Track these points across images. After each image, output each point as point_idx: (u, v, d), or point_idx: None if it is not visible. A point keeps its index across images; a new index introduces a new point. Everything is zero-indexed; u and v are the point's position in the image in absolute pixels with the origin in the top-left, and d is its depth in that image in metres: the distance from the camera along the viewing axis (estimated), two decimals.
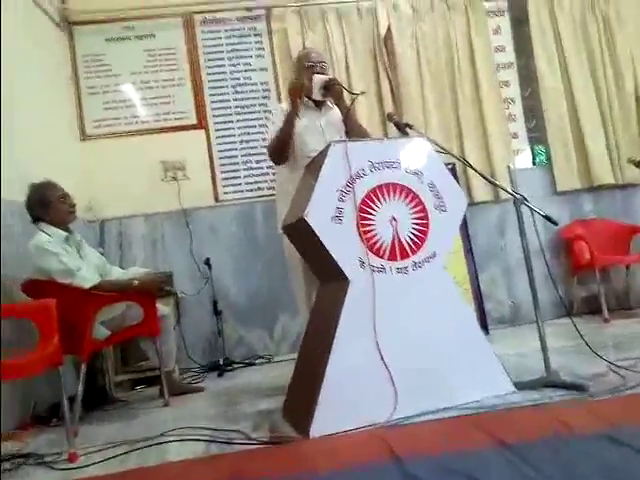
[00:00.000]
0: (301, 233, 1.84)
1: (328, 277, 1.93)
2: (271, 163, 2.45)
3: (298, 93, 2.22)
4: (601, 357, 1.99)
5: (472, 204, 3.56)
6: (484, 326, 3.22)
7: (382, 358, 1.71)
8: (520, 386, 1.86)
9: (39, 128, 2.93)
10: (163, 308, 2.63)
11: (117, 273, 2.59)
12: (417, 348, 1.77)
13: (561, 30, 3.78)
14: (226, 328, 3.40)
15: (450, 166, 3.47)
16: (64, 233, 2.34)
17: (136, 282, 2.39)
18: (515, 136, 3.85)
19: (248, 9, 3.63)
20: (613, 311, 3.39)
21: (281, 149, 2.26)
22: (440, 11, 3.77)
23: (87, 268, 2.34)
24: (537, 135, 3.97)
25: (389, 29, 3.70)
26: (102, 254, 2.78)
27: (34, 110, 2.91)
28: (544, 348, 1.91)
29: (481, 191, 3.65)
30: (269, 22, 3.68)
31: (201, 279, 3.41)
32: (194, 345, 3.32)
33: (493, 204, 3.70)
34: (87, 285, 2.22)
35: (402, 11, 3.72)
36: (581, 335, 1.96)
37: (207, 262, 3.40)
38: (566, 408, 1.60)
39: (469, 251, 3.44)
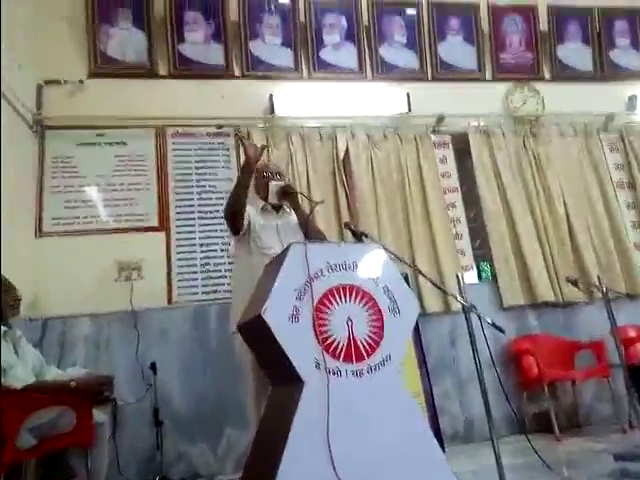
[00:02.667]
0: (256, 331, 1.82)
1: (281, 379, 1.87)
2: (229, 266, 2.49)
3: (252, 157, 2.39)
4: (557, 472, 1.96)
5: (424, 315, 3.65)
6: (440, 444, 3.11)
7: (334, 468, 1.62)
8: None
9: None
10: (99, 415, 2.41)
11: (54, 373, 2.40)
12: (372, 460, 1.69)
13: (498, 163, 4.24)
14: (166, 442, 3.12)
15: (402, 276, 3.62)
16: (2, 328, 2.20)
17: (74, 383, 2.22)
18: (462, 253, 4.09)
19: (219, 126, 3.90)
20: (563, 429, 3.39)
21: (236, 202, 2.35)
22: (392, 141, 4.18)
23: (22, 367, 2.17)
24: (482, 252, 4.25)
25: (347, 152, 4.04)
26: (41, 353, 2.59)
27: None
28: (499, 465, 1.87)
29: (432, 302, 3.77)
30: (237, 138, 3.95)
31: (143, 385, 3.20)
32: (128, 460, 3.01)
33: (444, 315, 3.80)
34: (18, 385, 2.04)
35: (358, 138, 4.10)
36: (536, 451, 1.95)
37: (152, 366, 3.22)
38: None
39: (423, 363, 3.44)
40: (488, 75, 4.54)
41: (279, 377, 1.92)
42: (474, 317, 2.02)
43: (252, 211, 2.44)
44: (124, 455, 2.97)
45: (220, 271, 3.62)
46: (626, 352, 3.71)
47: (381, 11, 4.38)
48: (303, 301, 1.79)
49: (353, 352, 1.81)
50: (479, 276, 4.21)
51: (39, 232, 3.48)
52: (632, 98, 4.60)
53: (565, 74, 4.63)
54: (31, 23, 3.71)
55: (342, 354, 1.79)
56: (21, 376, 2.09)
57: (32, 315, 3.14)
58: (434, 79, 4.43)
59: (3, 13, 3.18)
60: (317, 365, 1.74)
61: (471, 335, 2.01)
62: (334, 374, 1.75)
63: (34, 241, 3.44)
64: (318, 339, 1.76)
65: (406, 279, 3.62)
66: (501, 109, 4.46)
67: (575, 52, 4.68)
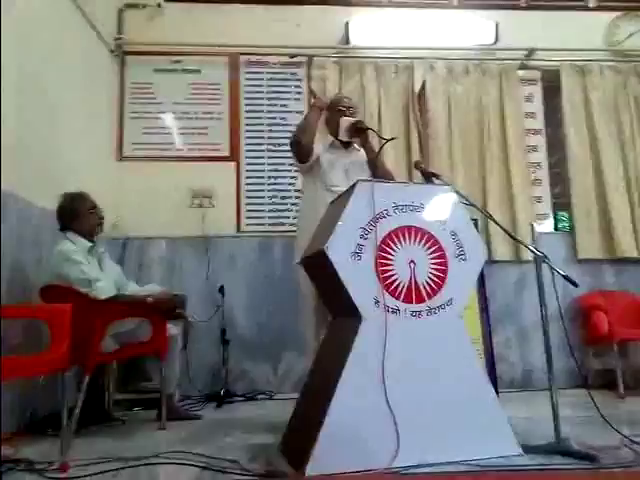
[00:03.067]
0: (319, 266, 1.86)
1: (341, 312, 1.92)
2: (296, 200, 2.51)
3: (323, 100, 2.53)
4: (617, 430, 1.91)
5: (491, 262, 3.55)
6: (495, 388, 3.12)
7: (388, 402, 1.68)
8: (528, 450, 1.78)
9: (79, 143, 3.08)
10: (172, 329, 2.63)
11: (134, 288, 2.62)
12: (424, 397, 1.73)
13: (592, 104, 3.86)
14: (231, 359, 3.36)
15: (472, 220, 3.50)
16: (88, 244, 2.40)
17: (150, 299, 2.42)
18: (539, 200, 3.86)
19: (292, 56, 3.81)
20: (629, 388, 3.27)
21: (304, 131, 2.37)
22: (475, 75, 3.90)
23: (106, 280, 2.37)
24: (561, 201, 3.98)
25: (423, 86, 3.83)
26: (122, 269, 2.82)
27: (77, 126, 3.07)
28: (556, 415, 1.83)
29: (502, 249, 3.63)
30: (309, 69, 3.85)
31: (213, 306, 3.42)
32: (197, 372, 3.29)
33: (513, 264, 3.66)
34: (103, 296, 2.25)
35: (438, 71, 3.86)
36: (596, 406, 1.89)
37: (221, 290, 3.42)
38: (574, 476, 1.53)
39: (484, 310, 3.39)
40: (591, 2, 4.02)
41: (339, 310, 1.98)
42: (545, 268, 1.93)
43: (321, 147, 2.40)
44: (194, 367, 3.23)
45: (287, 204, 3.68)
46: None
47: None
48: (367, 239, 1.79)
49: (414, 293, 1.81)
50: (555, 226, 3.98)
51: (120, 156, 3.66)
52: None
53: None
54: None
55: (402, 294, 1.80)
56: (105, 288, 2.29)
57: (114, 235, 3.38)
58: (528, 7, 4.02)
59: None
60: (376, 302, 1.76)
61: (540, 286, 1.93)
62: (392, 312, 1.77)
63: (116, 164, 3.64)
64: (379, 277, 1.77)
65: (475, 224, 3.50)
66: (603, 43, 3.98)
67: None
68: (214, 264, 3.53)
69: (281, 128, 3.80)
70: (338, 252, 1.74)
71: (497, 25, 3.88)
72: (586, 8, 4.02)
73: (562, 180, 3.96)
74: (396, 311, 1.78)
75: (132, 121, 3.70)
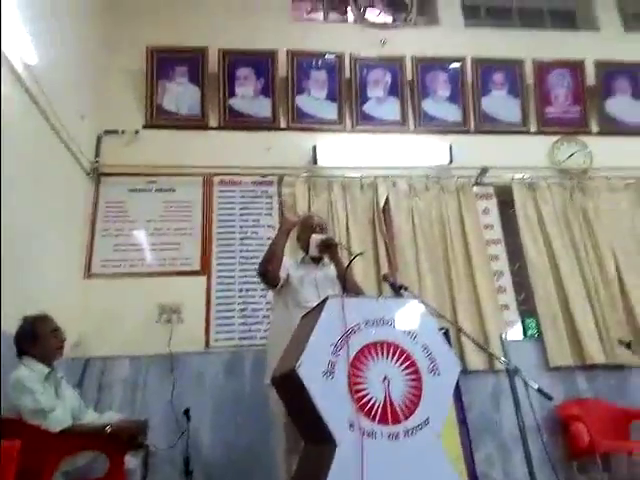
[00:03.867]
0: (290, 386, 1.79)
1: (314, 437, 1.82)
2: (267, 312, 2.50)
3: (291, 221, 2.52)
4: None
5: (466, 372, 3.50)
6: None
7: None
8: None
9: (47, 262, 3.04)
10: (131, 462, 2.40)
11: (91, 417, 2.43)
12: None
13: (544, 216, 4.12)
14: None
15: (443, 331, 3.51)
16: (46, 369, 2.27)
17: (109, 429, 2.24)
18: (506, 307, 3.94)
19: (263, 176, 4.03)
20: None
21: (270, 260, 2.40)
22: (434, 191, 4.17)
23: (62, 409, 2.21)
24: (527, 308, 4.08)
25: (387, 201, 4.06)
26: (79, 394, 2.64)
27: (46, 244, 3.06)
28: None
29: (475, 359, 3.61)
30: (280, 187, 4.05)
31: (176, 431, 3.18)
32: None
33: (487, 374, 3.62)
34: (57, 428, 2.08)
35: (400, 188, 4.12)
36: None
37: (186, 412, 3.21)
38: None
39: (463, 423, 3.27)
40: (533, 128, 4.50)
41: (312, 434, 1.87)
42: (519, 379, 1.92)
43: (291, 264, 2.46)
44: None
45: (258, 317, 3.63)
46: None
47: (425, 67, 4.49)
48: (339, 356, 1.76)
49: (389, 413, 1.74)
50: (524, 332, 4.03)
51: (87, 273, 3.62)
52: None
53: (614, 128, 4.54)
54: (96, 77, 4.01)
55: (378, 415, 1.72)
56: (60, 418, 2.12)
57: (75, 355, 3.22)
58: (477, 131, 4.45)
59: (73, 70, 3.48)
60: (351, 426, 1.68)
61: (515, 400, 1.90)
62: (369, 436, 1.69)
63: (82, 282, 3.59)
64: (353, 397, 1.71)
65: (446, 334, 3.50)
66: (546, 162, 4.39)
67: (625, 106, 4.59)
68: (180, 383, 3.36)
69: (253, 241, 3.89)
70: (310, 370, 1.69)
71: (451, 147, 4.26)
72: (529, 133, 4.49)
73: (525, 287, 4.09)
74: (372, 434, 1.69)
75: (103, 239, 3.73)
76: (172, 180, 3.94)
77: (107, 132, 3.97)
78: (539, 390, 1.83)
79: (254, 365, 3.41)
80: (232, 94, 4.23)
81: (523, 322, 4.04)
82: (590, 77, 4.63)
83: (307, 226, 2.58)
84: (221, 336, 3.58)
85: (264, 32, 4.46)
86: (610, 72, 4.63)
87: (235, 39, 4.35)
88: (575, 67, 4.63)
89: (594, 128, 4.55)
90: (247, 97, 4.24)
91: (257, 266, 2.50)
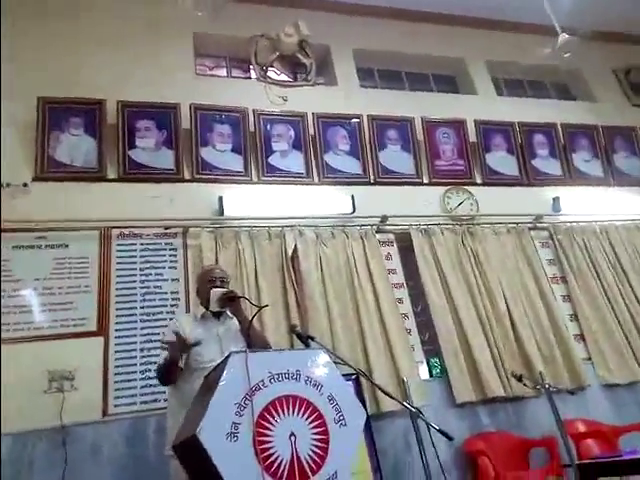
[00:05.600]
0: (192, 453, 1.69)
1: None
2: None
3: (179, 347, 2.25)
4: None
5: (379, 415, 3.54)
6: None
7: None
8: None
9: None
10: None
11: None
12: None
13: (440, 259, 4.41)
14: None
15: (354, 376, 3.55)
16: None
17: None
18: (412, 348, 4.09)
19: (166, 227, 3.92)
20: None
21: (165, 377, 2.34)
22: (340, 239, 4.31)
23: None
24: (431, 348, 4.26)
25: (295, 250, 4.12)
26: None
27: None
28: None
29: (387, 401, 3.62)
30: (185, 238, 3.96)
31: None
32: None
33: (401, 414, 3.64)
34: None
35: (307, 236, 4.20)
36: None
37: None
38: None
39: (377, 470, 3.28)
40: (425, 179, 4.88)
41: None
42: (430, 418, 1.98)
43: (189, 326, 2.36)
44: None
45: None
46: (577, 448, 3.71)
47: (325, 123, 4.75)
48: (243, 416, 1.71)
49: (297, 471, 1.71)
50: (430, 372, 4.18)
51: None
52: (556, 200, 5.03)
53: (494, 179, 5.06)
54: None
55: (285, 474, 1.68)
56: None
57: None
58: (376, 183, 4.72)
59: None
60: None
61: (419, 442, 1.95)
62: None
63: None
64: (258, 458, 1.65)
65: (357, 379, 3.56)
66: (439, 210, 4.75)
67: (502, 160, 5.15)
68: (73, 458, 3.02)
69: (156, 296, 3.71)
70: (212, 435, 1.62)
71: (353, 197, 4.47)
72: (422, 184, 4.85)
73: (429, 327, 4.30)
74: None
75: None
76: (65, 235, 3.67)
77: None
78: (440, 431, 1.90)
79: (158, 431, 3.15)
80: (132, 145, 4.12)
81: (428, 362, 4.21)
82: (472, 134, 5.16)
83: (207, 279, 2.50)
84: (121, 402, 3.31)
85: (166, 85, 4.46)
86: (487, 130, 5.20)
87: (135, 91, 4.30)
88: (458, 125, 5.14)
89: (478, 179, 5.03)
90: (148, 149, 4.16)
91: (155, 371, 2.42)
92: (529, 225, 4.84)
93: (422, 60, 5.74)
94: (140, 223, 3.86)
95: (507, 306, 4.33)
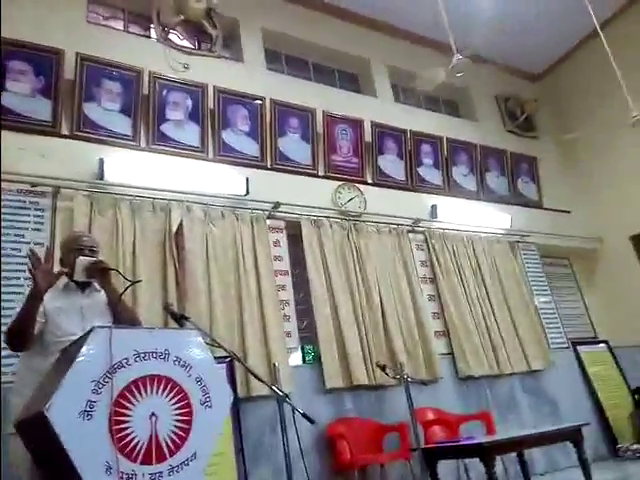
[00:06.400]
0: (37, 431, 1.56)
1: None
2: None
3: (47, 276, 2.02)
4: None
5: (248, 398, 3.56)
6: None
7: None
8: None
9: None
10: None
11: None
12: None
13: (326, 251, 4.54)
14: None
15: (229, 359, 3.53)
16: None
17: None
18: (289, 335, 4.17)
19: (33, 185, 3.52)
20: None
21: (19, 336, 2.02)
22: (229, 220, 4.22)
23: None
24: (308, 335, 4.39)
25: (180, 226, 3.95)
26: None
27: None
28: None
29: (258, 385, 3.65)
30: (55, 200, 3.59)
31: None
32: None
33: (269, 399, 3.71)
34: None
35: (195, 213, 4.06)
36: None
37: None
38: None
39: (240, 451, 3.31)
40: (321, 171, 4.98)
41: None
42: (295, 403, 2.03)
43: (47, 296, 2.11)
44: None
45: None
46: (425, 434, 4.09)
47: (227, 99, 4.60)
48: (101, 394, 1.61)
49: (154, 452, 1.65)
50: (303, 359, 4.31)
51: None
52: (434, 207, 5.46)
53: (383, 180, 5.33)
54: None
55: (140, 455, 1.62)
56: None
57: None
58: (273, 168, 4.71)
59: None
60: (108, 469, 1.54)
61: (282, 425, 2.01)
62: (128, 478, 1.56)
63: None
64: (113, 439, 1.57)
65: (231, 361, 3.54)
66: (330, 203, 4.88)
67: (392, 163, 5.44)
68: None
69: (12, 260, 3.32)
70: (62, 413, 1.50)
71: (247, 180, 4.40)
72: (317, 176, 4.94)
73: (307, 315, 4.42)
74: (132, 477, 1.57)
75: None
76: None
77: None
78: (303, 415, 1.96)
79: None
80: (1, 87, 3.63)
81: (303, 348, 4.33)
82: (368, 134, 5.36)
83: (73, 247, 2.26)
84: None
85: (51, 27, 4.00)
86: (382, 133, 5.45)
87: (14, 27, 3.77)
88: (356, 124, 5.31)
89: (369, 178, 5.26)
90: (21, 94, 3.69)
91: (4, 332, 2.06)
92: (408, 228, 5.18)
93: (330, 53, 5.82)
94: (3, 176, 3.42)
95: (380, 301, 4.60)
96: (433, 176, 5.70)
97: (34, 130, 3.69)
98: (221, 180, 4.38)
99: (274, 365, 2.27)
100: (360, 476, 3.56)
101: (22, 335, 2.01)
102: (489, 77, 6.74)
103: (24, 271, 3.30)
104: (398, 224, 5.11)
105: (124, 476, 1.56)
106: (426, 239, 5.26)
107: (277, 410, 3.67)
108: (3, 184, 3.40)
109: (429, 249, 5.22)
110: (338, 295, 4.42)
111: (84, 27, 4.31)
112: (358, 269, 4.66)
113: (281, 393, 2.04)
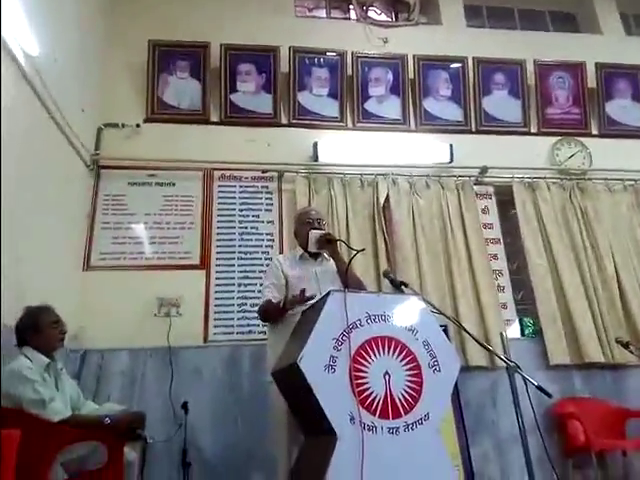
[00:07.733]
0: (291, 380, 1.80)
1: (314, 430, 1.82)
2: None
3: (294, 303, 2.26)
4: None
5: (466, 368, 3.51)
6: None
7: None
8: None
9: (45, 254, 3.02)
10: (130, 453, 2.40)
11: (90, 408, 2.43)
12: None
13: (544, 216, 4.14)
14: None
15: (442, 327, 3.52)
16: (46, 360, 2.26)
17: (108, 420, 2.24)
18: (504, 306, 3.95)
19: (263, 171, 4.04)
20: None
21: (268, 319, 2.48)
22: (434, 189, 4.17)
23: (61, 400, 2.21)
24: (525, 307, 4.09)
25: (387, 199, 4.06)
26: (78, 385, 2.64)
27: (45, 236, 3.04)
28: None
29: (475, 355, 3.60)
30: (280, 183, 4.06)
31: (174, 424, 3.18)
32: None
33: (487, 371, 3.62)
34: (57, 418, 2.07)
35: (400, 185, 4.12)
36: None
37: (184, 406, 3.21)
38: None
39: (460, 421, 3.29)
40: (533, 129, 4.52)
41: (312, 428, 1.88)
42: (518, 376, 1.92)
43: (286, 264, 2.45)
44: None
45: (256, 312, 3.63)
46: None
47: (427, 66, 4.49)
48: (340, 351, 1.77)
49: (390, 408, 1.75)
50: (522, 332, 4.04)
51: (86, 266, 3.62)
52: None
53: (613, 130, 4.56)
54: (97, 70, 4.00)
55: (378, 409, 1.74)
56: (59, 409, 2.12)
57: (73, 346, 3.21)
58: (478, 131, 4.46)
59: (74, 63, 3.46)
60: (352, 419, 1.69)
61: (515, 397, 1.91)
62: (369, 430, 1.70)
63: (81, 274, 3.58)
64: (354, 391, 1.72)
65: (446, 330, 3.52)
66: (546, 162, 4.41)
67: (624, 109, 4.61)
68: (178, 377, 3.35)
69: (252, 237, 3.89)
70: (311, 365, 1.70)
71: (451, 146, 4.26)
72: (529, 133, 4.50)
73: (524, 286, 4.11)
74: (372, 428, 1.70)
75: (102, 231, 3.72)
76: (172, 174, 3.93)
77: (107, 125, 3.96)
78: (539, 387, 1.84)
79: (252, 361, 3.41)
80: (233, 89, 4.22)
81: (520, 321, 4.06)
82: (591, 79, 4.64)
83: (305, 221, 2.56)
84: (219, 330, 3.58)
85: (267, 28, 4.46)
86: (610, 74, 4.64)
87: (238, 34, 4.35)
88: (576, 69, 4.63)
89: (594, 130, 4.57)
90: (248, 93, 4.24)
91: (258, 311, 2.56)
92: None
93: None
94: (240, 166, 4.01)
95: (616, 270, 4.00)
96: None
97: (261, 123, 4.21)
98: (424, 150, 4.33)
99: (501, 334, 2.16)
100: (598, 461, 3.20)
101: (272, 320, 2.45)
102: None
103: (261, 246, 3.88)
104: (635, 180, 4.33)
105: (365, 427, 1.69)
106: None
107: (495, 382, 3.59)
108: (243, 173, 3.97)
109: None
110: (561, 265, 3.98)
111: (293, 22, 4.70)
112: (585, 235, 4.12)
113: (512, 363, 1.94)
